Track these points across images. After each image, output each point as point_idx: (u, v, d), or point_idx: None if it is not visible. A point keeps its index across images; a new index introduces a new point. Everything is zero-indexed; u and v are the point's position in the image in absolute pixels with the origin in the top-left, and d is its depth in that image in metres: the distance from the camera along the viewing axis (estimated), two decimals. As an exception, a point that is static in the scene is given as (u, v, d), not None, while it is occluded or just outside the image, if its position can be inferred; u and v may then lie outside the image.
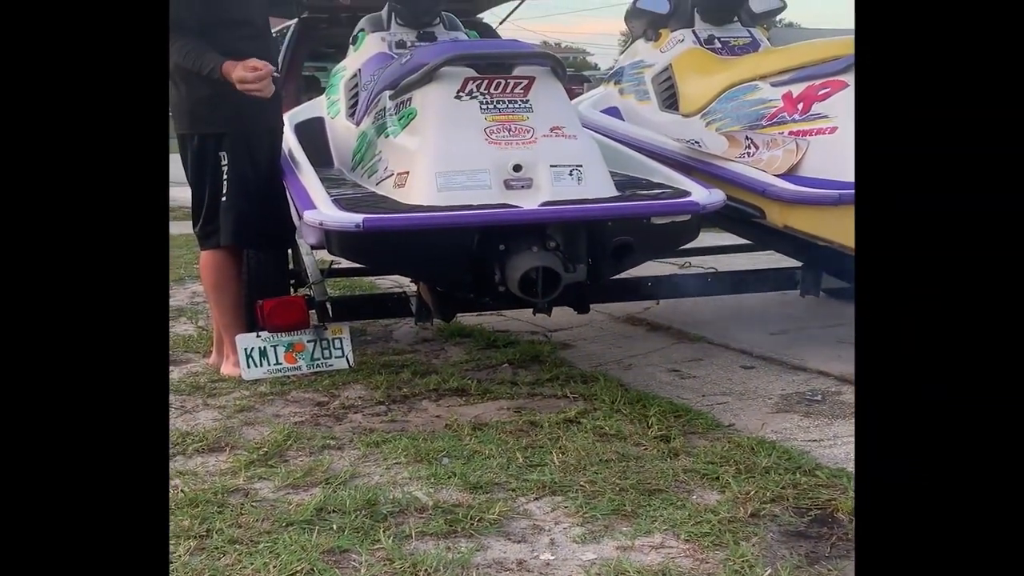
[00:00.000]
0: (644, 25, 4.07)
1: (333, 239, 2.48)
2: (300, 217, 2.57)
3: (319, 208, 2.49)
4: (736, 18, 3.97)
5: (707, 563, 1.74)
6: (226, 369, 3.08)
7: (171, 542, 1.79)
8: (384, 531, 1.86)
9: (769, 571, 1.69)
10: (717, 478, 2.14)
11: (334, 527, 1.88)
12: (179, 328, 3.87)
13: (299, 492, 2.09)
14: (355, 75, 3.61)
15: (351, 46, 3.83)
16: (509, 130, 2.61)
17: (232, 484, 2.12)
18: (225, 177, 2.94)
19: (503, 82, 2.65)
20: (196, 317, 4.06)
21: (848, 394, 2.84)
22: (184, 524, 1.87)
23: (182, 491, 2.05)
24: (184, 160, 3.02)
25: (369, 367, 3.14)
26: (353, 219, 2.39)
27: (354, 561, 1.75)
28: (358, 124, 3.30)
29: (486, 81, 2.64)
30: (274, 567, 1.69)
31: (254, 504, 2.01)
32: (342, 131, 3.48)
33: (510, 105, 2.65)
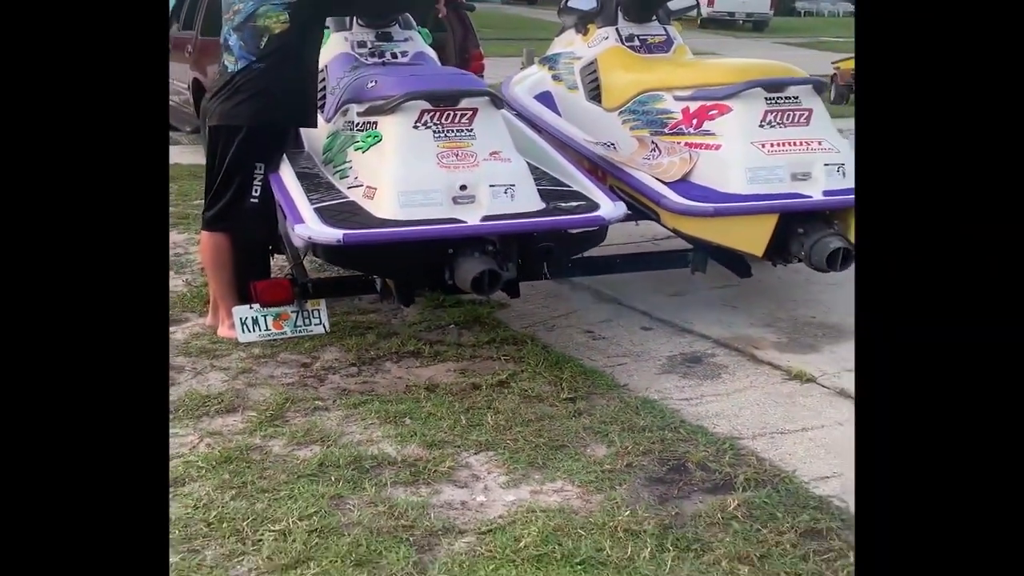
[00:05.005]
0: (574, 20, 4.69)
1: (318, 248, 3.17)
2: (289, 225, 3.23)
3: (307, 223, 3.15)
4: (655, 16, 4.61)
5: (590, 503, 2.55)
6: (223, 332, 3.77)
7: (217, 492, 2.53)
8: (368, 481, 2.62)
9: (630, 509, 2.50)
10: (607, 435, 2.94)
11: (332, 478, 2.63)
12: (171, 284, 4.48)
13: (302, 449, 2.83)
14: (321, 70, 4.17)
15: None
16: (456, 155, 3.28)
17: (251, 443, 2.86)
18: (257, 181, 3.58)
19: (452, 113, 3.31)
20: (181, 271, 4.69)
21: (721, 355, 3.65)
22: (225, 478, 2.61)
23: (217, 450, 2.78)
24: (215, 147, 3.60)
25: (341, 328, 3.85)
26: (335, 235, 3.06)
27: (349, 504, 2.51)
28: (328, 120, 3.90)
29: (438, 113, 3.29)
30: (295, 510, 2.45)
31: (271, 460, 2.75)
32: None
33: (457, 133, 3.31)
